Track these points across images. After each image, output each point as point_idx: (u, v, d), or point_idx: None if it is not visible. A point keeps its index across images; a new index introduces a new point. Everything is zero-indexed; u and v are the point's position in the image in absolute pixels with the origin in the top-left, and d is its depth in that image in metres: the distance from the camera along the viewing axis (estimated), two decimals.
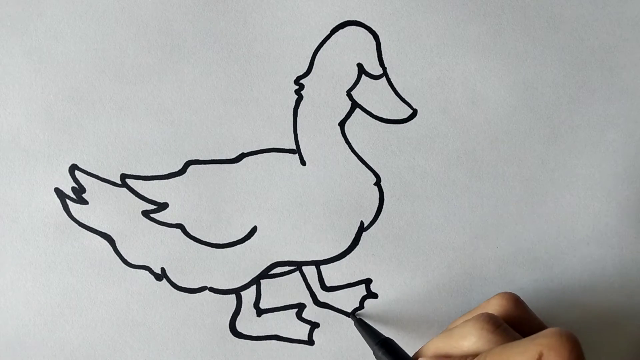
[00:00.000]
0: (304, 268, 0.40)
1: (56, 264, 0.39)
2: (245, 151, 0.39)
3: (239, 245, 0.40)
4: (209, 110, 0.39)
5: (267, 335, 0.41)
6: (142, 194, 0.39)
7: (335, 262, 0.40)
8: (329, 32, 0.39)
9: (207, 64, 0.39)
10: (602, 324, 0.42)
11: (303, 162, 0.40)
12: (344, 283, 0.41)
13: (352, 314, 0.40)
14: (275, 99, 0.39)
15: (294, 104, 0.39)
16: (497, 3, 0.40)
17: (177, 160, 0.39)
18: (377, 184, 0.40)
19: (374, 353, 0.37)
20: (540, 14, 0.40)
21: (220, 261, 0.40)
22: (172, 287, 0.40)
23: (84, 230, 0.39)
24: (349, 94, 0.39)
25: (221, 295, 0.40)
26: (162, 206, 0.39)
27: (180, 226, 0.39)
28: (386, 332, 0.41)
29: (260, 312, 0.40)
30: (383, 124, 0.40)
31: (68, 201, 0.39)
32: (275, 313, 0.41)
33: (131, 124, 0.39)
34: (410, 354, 0.41)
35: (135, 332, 0.40)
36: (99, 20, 0.38)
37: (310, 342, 0.41)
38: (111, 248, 0.39)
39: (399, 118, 0.40)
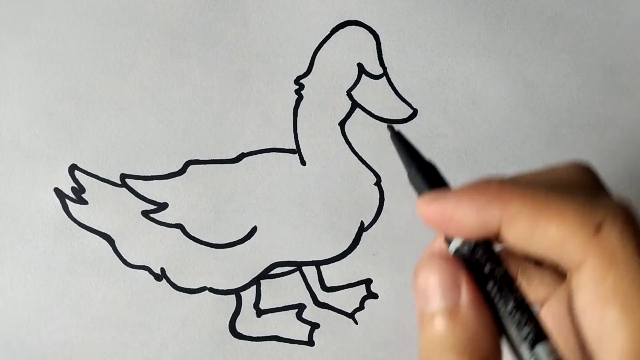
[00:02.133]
0: (304, 268, 0.40)
1: (56, 264, 0.39)
2: (245, 151, 0.39)
3: (239, 245, 0.40)
4: (209, 110, 0.39)
5: (267, 336, 0.41)
6: (142, 194, 0.39)
7: (335, 262, 0.40)
8: (329, 32, 0.39)
9: (207, 64, 0.39)
10: None
11: (303, 162, 0.40)
12: (344, 283, 0.41)
13: (389, 127, 0.33)
14: (275, 99, 0.39)
15: (294, 104, 0.39)
16: (497, 3, 0.40)
17: (177, 160, 0.39)
18: (377, 184, 0.40)
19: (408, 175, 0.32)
20: (540, 14, 0.40)
21: (220, 261, 0.40)
22: (171, 288, 0.40)
23: (83, 230, 0.39)
24: (349, 94, 0.39)
25: (221, 296, 0.40)
26: (162, 206, 0.39)
27: (180, 226, 0.39)
28: (386, 332, 0.41)
29: (260, 312, 0.40)
30: (384, 123, 0.40)
31: (68, 201, 0.39)
32: (275, 313, 0.40)
33: (131, 124, 0.39)
34: (411, 355, 0.41)
35: (135, 332, 0.40)
36: (99, 20, 0.38)
37: (310, 342, 0.41)
38: (111, 248, 0.39)
39: (399, 118, 0.40)
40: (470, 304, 0.24)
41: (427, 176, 0.27)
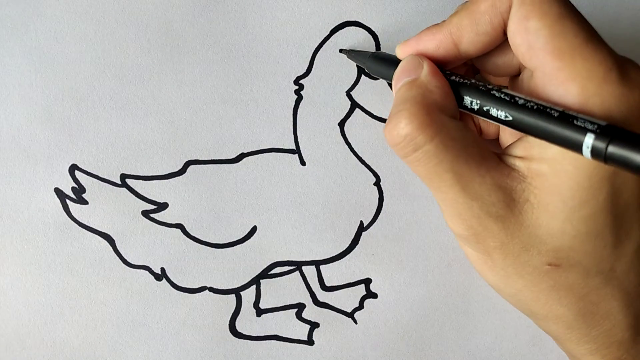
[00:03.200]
0: (304, 268, 0.40)
1: (56, 264, 0.39)
2: (245, 151, 0.39)
3: (238, 245, 0.40)
4: (209, 110, 0.39)
5: (267, 335, 0.41)
6: (142, 194, 0.39)
7: (335, 262, 0.40)
8: (328, 32, 0.39)
9: (207, 64, 0.39)
10: None
11: (303, 162, 0.40)
12: (344, 283, 0.41)
13: (340, 51, 0.39)
14: (275, 99, 0.39)
15: (294, 104, 0.39)
16: None
17: (177, 160, 0.39)
18: (377, 184, 0.40)
19: (367, 68, 0.37)
20: None
21: (220, 261, 0.40)
22: (172, 287, 0.40)
23: (84, 230, 0.39)
24: (348, 94, 0.40)
25: (221, 295, 0.40)
26: (162, 206, 0.39)
27: (180, 226, 0.39)
28: (385, 332, 0.41)
29: (260, 312, 0.40)
30: (383, 124, 0.40)
31: (68, 201, 0.39)
32: (275, 313, 0.41)
33: (131, 124, 0.39)
34: (410, 354, 0.41)
35: (135, 332, 0.40)
36: (99, 20, 0.38)
37: (310, 342, 0.41)
38: (111, 248, 0.39)
39: None
40: (428, 75, 0.31)
41: (385, 56, 0.36)
